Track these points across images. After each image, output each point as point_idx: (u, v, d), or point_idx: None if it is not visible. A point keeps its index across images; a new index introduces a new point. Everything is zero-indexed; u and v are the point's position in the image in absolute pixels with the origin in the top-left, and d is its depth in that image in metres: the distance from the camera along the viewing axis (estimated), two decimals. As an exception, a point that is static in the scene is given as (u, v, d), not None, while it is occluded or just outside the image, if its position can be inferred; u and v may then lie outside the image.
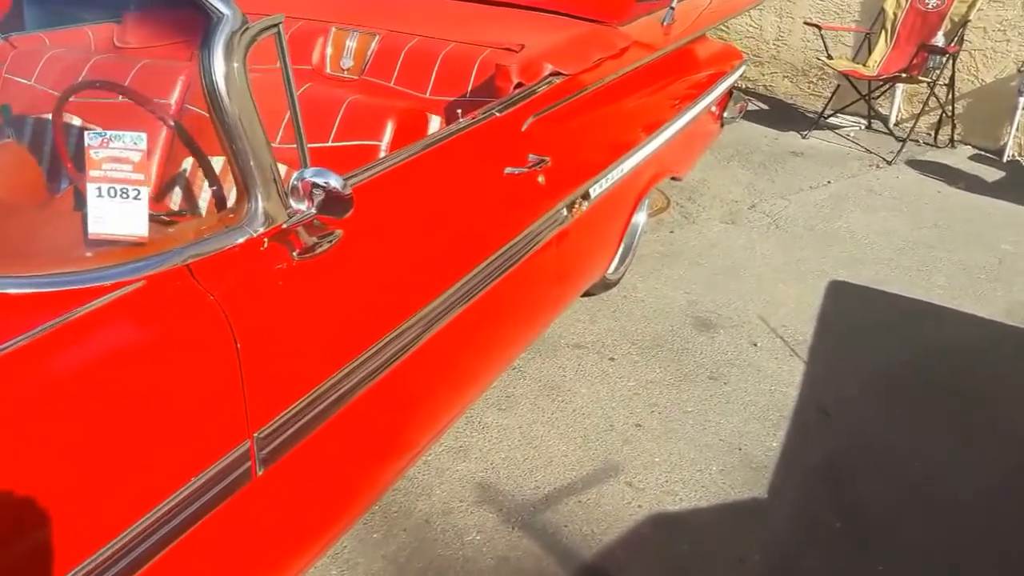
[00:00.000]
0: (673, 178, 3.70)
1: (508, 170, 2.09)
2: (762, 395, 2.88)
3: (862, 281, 3.69)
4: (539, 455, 2.53)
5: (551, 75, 2.47)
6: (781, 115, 5.94)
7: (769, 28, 6.20)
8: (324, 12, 2.99)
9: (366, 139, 2.04)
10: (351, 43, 2.85)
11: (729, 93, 4.00)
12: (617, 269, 3.37)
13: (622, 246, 3.25)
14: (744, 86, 6.38)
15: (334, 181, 1.41)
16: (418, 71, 2.72)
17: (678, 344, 3.14)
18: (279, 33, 1.45)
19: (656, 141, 3.02)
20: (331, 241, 1.55)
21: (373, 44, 2.81)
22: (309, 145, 2.10)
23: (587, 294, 3.25)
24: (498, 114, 2.16)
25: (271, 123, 2.16)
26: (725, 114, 3.96)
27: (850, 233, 4.15)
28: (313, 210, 1.43)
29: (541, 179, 2.21)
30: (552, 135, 2.37)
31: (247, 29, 1.39)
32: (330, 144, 2.07)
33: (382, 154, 2.02)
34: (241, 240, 1.39)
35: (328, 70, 2.87)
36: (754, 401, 2.84)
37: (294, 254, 1.47)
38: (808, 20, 5.73)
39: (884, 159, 5.19)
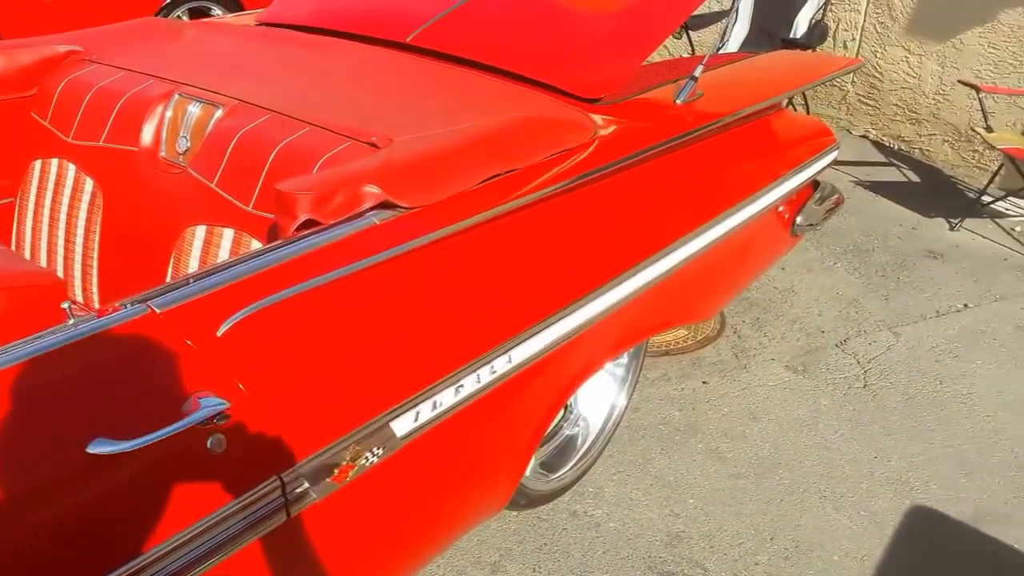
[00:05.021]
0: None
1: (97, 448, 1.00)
2: None
3: (962, 511, 2.37)
4: None
5: (377, 208, 1.50)
6: (933, 191, 4.62)
7: (929, 79, 4.87)
8: (182, 68, 2.14)
9: None
10: (194, 112, 1.99)
11: (812, 187, 2.86)
12: (559, 475, 2.26)
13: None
14: (896, 147, 5.06)
15: None
16: (247, 168, 1.83)
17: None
18: None
19: (617, 291, 1.92)
20: None
21: (213, 119, 1.94)
22: None
23: (513, 504, 2.11)
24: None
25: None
26: (799, 219, 2.81)
27: (969, 409, 2.82)
28: None
29: (210, 447, 1.13)
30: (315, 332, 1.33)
31: None
32: None
33: None
34: None
35: (163, 152, 2.03)
36: None
37: None
38: (963, 79, 4.37)
39: (1058, 273, 3.79)
